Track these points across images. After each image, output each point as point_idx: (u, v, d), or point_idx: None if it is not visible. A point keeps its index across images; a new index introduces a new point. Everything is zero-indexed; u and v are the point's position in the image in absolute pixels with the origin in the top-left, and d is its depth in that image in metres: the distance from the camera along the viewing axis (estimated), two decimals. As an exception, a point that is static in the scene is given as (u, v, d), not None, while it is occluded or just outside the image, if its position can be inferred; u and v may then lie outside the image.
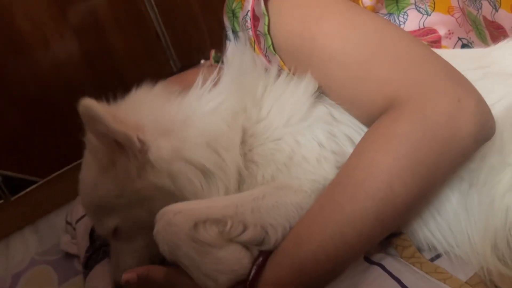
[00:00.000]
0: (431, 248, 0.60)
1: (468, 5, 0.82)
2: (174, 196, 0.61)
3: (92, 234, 0.87)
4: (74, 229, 0.95)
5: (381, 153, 0.52)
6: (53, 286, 0.91)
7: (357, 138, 0.62)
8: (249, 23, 0.70)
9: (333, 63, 0.61)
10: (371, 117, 0.59)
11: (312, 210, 0.56)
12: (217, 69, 0.73)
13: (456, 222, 0.59)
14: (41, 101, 1.21)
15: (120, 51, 1.29)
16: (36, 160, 1.25)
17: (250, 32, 0.70)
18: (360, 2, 0.72)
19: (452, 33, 0.75)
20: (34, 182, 1.25)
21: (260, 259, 0.55)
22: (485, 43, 0.80)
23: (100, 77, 1.28)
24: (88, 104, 0.56)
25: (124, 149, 0.61)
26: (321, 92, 0.65)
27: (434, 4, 0.76)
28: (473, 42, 0.77)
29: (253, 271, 0.54)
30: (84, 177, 0.67)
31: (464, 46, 0.75)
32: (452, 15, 0.76)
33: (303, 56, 0.65)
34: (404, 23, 0.76)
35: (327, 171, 0.60)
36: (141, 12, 1.30)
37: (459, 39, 0.75)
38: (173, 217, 0.54)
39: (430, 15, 0.75)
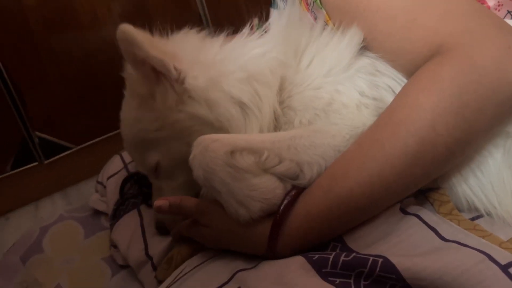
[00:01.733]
0: (471, 207, 0.57)
1: None
2: (213, 126, 0.62)
3: (122, 188, 0.88)
4: (105, 186, 0.96)
5: (425, 93, 0.51)
6: (79, 238, 0.91)
7: (399, 90, 0.61)
8: None
9: (380, 14, 0.61)
10: (416, 66, 0.58)
11: (351, 148, 0.55)
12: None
13: (499, 180, 0.56)
14: (85, 74, 1.26)
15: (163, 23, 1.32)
16: (73, 128, 1.28)
17: None
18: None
19: (502, 5, 0.73)
20: (68, 148, 1.27)
21: (294, 191, 0.54)
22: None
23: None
24: (127, 29, 0.57)
25: (162, 79, 0.62)
26: (366, 46, 0.65)
27: (482, -24, 0.76)
28: None
29: (285, 201, 0.53)
30: (125, 113, 0.69)
31: (513, 21, 0.74)
32: (503, -14, 0.75)
33: (350, 7, 0.65)
34: None
35: (366, 117, 0.59)
36: (187, -6, 1.34)
37: (509, 12, 0.74)
38: (211, 144, 0.54)
39: None
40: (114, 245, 0.82)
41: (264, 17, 0.85)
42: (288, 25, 0.70)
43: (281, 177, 0.55)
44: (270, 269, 0.50)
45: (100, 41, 1.25)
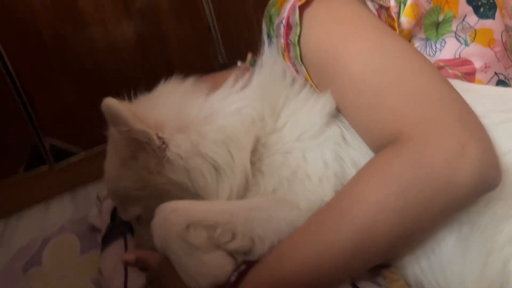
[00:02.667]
0: (419, 287, 0.59)
1: None
2: (188, 191, 0.65)
3: (114, 212, 0.93)
4: (102, 204, 1.01)
5: (372, 187, 0.52)
6: (75, 254, 0.97)
7: (363, 164, 0.61)
8: (282, 30, 0.71)
9: (352, 86, 0.61)
10: (378, 145, 0.59)
11: (300, 229, 0.57)
12: (250, 73, 0.75)
13: (450, 265, 0.57)
14: (93, 77, 1.30)
15: (172, 39, 1.35)
16: (82, 133, 1.34)
17: (282, 40, 0.71)
18: (395, 24, 0.71)
19: (489, 67, 0.72)
20: (77, 153, 1.34)
21: (243, 267, 0.56)
22: (525, 81, 0.76)
23: (150, 61, 1.34)
24: (111, 103, 0.60)
25: (144, 145, 0.64)
26: (339, 111, 0.66)
27: (475, 35, 0.74)
28: (511, 78, 0.74)
29: (233, 278, 0.56)
30: (108, 169, 0.72)
31: (500, 81, 0.73)
32: (492, 49, 0.73)
33: (326, 72, 0.65)
34: (441, 50, 0.74)
35: (325, 193, 0.60)
36: (196, 4, 1.34)
37: (496, 74, 0.73)
38: (169, 215, 0.57)
39: (468, 46, 0.73)
40: (100, 271, 0.88)
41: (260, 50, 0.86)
42: (270, 79, 0.71)
43: (233, 253, 0.57)
44: None
45: (109, 51, 1.28)
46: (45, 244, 1.02)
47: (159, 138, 0.64)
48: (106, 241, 0.89)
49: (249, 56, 0.97)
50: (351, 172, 0.62)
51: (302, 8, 0.67)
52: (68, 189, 1.38)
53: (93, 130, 1.32)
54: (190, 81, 0.78)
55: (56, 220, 1.30)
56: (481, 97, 0.64)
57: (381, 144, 0.58)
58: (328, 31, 0.65)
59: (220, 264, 0.56)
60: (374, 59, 0.60)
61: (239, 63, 1.00)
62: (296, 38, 0.67)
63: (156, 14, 1.32)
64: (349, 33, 0.64)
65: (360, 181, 0.55)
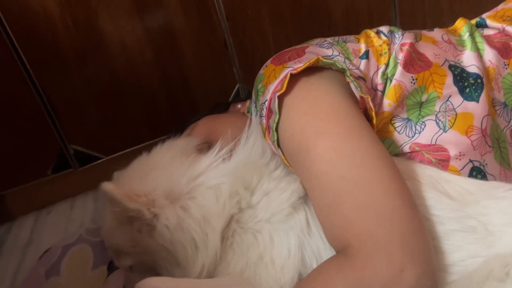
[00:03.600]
0: None
1: (499, 115, 0.79)
2: (173, 257, 0.73)
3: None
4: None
5: None
6: (87, 268, 1.10)
7: (325, 254, 0.68)
8: (264, 112, 0.75)
9: (316, 183, 0.66)
10: (332, 244, 0.64)
11: None
12: (235, 141, 0.80)
13: None
14: (113, 92, 1.38)
15: (188, 56, 1.39)
16: (103, 140, 1.44)
17: (264, 121, 0.75)
18: (373, 113, 0.73)
19: (464, 155, 0.74)
20: (99, 158, 1.45)
21: None
22: (503, 163, 0.78)
23: (167, 78, 1.41)
24: (107, 188, 0.69)
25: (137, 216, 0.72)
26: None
27: (455, 120, 0.76)
28: (486, 164, 0.76)
29: None
30: (105, 224, 0.81)
31: (474, 168, 0.75)
32: (469, 137, 0.75)
33: (297, 162, 0.70)
34: (419, 133, 0.77)
35: (285, 282, 0.67)
36: (213, 20, 1.37)
37: (470, 161, 0.75)
38: None
39: (446, 132, 0.75)
40: (104, 292, 1.00)
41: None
42: (249, 157, 0.76)
43: None
44: None
45: (128, 67, 1.35)
46: (64, 253, 1.14)
47: (150, 212, 0.71)
48: (111, 267, 1.00)
49: (248, 103, 1.02)
50: (311, 263, 0.68)
51: (282, 96, 0.71)
52: (91, 189, 1.51)
53: (113, 138, 1.44)
54: (181, 143, 0.85)
55: (80, 216, 1.44)
56: (440, 200, 0.67)
57: (335, 245, 0.64)
58: (302, 124, 0.68)
59: None
60: (338, 164, 0.64)
61: (239, 106, 1.05)
62: (274, 125, 0.71)
63: (172, 32, 1.36)
64: (320, 128, 0.67)
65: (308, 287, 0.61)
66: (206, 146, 0.89)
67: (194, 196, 0.74)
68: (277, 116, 0.71)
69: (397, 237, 0.58)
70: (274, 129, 0.72)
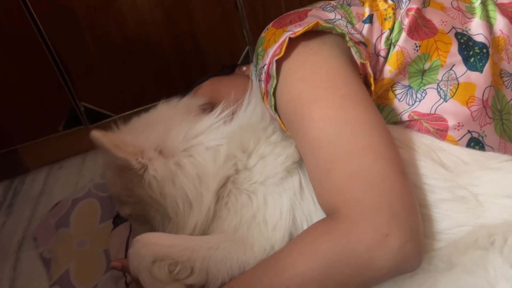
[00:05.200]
0: None
1: (507, 86, 0.78)
2: (165, 210, 0.75)
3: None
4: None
5: (302, 258, 0.60)
6: (95, 222, 1.14)
7: (316, 218, 0.69)
8: (263, 76, 0.75)
9: (309, 149, 0.67)
10: (323, 208, 0.66)
11: (245, 274, 0.67)
12: (237, 104, 0.81)
13: None
14: (124, 51, 1.39)
15: (199, 17, 1.38)
16: (113, 99, 1.46)
17: (263, 85, 0.76)
18: (371, 80, 0.73)
19: (462, 125, 0.74)
20: (109, 116, 1.47)
21: None
22: (504, 136, 0.77)
23: (177, 37, 1.40)
24: (95, 136, 0.71)
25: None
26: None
27: (457, 90, 0.75)
28: (485, 135, 0.75)
29: None
30: (106, 174, 0.84)
31: (472, 139, 0.75)
32: (469, 108, 0.74)
33: (293, 128, 0.70)
34: (420, 101, 0.76)
35: (276, 241, 0.69)
36: (224, -19, 1.36)
37: (469, 132, 0.74)
38: (141, 249, 0.68)
39: (446, 101, 0.75)
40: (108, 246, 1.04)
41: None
42: (249, 121, 0.77)
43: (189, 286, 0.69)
44: None
45: (138, 26, 1.35)
46: (74, 206, 1.20)
47: (138, 162, 0.73)
48: (116, 222, 1.04)
49: (252, 66, 1.01)
50: (303, 224, 0.70)
51: (280, 60, 0.71)
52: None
53: (122, 97, 1.46)
54: (185, 102, 0.86)
55: (90, 172, 1.48)
56: (434, 170, 0.68)
57: (325, 209, 0.65)
58: (298, 90, 0.68)
59: None
60: (331, 130, 0.64)
61: (244, 68, 1.05)
62: (272, 90, 0.71)
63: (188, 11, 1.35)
64: (316, 95, 0.67)
65: (296, 248, 0.63)
66: (209, 106, 0.90)
67: (191, 154, 0.75)
68: (275, 80, 0.71)
69: (385, 205, 0.59)
70: (271, 94, 0.72)
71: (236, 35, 1.44)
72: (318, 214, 0.70)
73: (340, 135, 0.64)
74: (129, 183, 0.76)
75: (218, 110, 0.80)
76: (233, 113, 0.80)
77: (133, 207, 0.81)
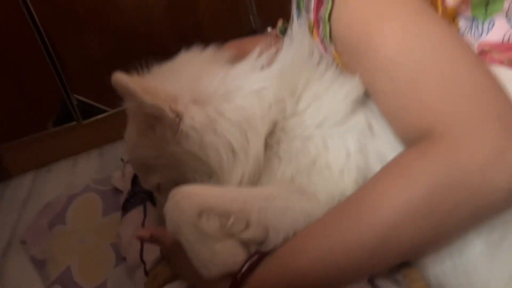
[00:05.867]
0: (440, 288, 0.56)
1: None
2: (205, 165, 0.64)
3: (134, 179, 0.93)
4: (125, 167, 1.01)
5: (397, 187, 0.48)
6: (97, 215, 0.99)
7: (390, 157, 0.58)
8: (312, 5, 0.65)
9: (383, 72, 0.56)
10: (408, 138, 0.54)
11: (316, 223, 0.54)
12: (276, 47, 0.71)
13: (476, 270, 0.54)
14: (123, 36, 1.27)
15: (202, 2, 1.29)
16: (110, 91, 1.32)
17: (312, 15, 0.66)
18: (439, 2, 0.64)
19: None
20: (104, 111, 1.34)
21: (255, 257, 0.55)
22: None
23: (179, 21, 1.30)
24: (119, 78, 0.59)
25: (160, 118, 0.63)
26: (367, 98, 0.61)
27: (531, 15, 0.66)
28: None
29: (245, 267, 0.54)
30: (127, 137, 0.71)
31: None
32: (544, 34, 0.66)
33: (356, 54, 0.60)
34: (487, 32, 0.67)
35: (346, 186, 0.57)
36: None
37: None
38: (182, 200, 0.55)
39: None
40: (118, 236, 0.89)
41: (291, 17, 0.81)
42: (294, 60, 0.67)
43: (246, 242, 0.56)
44: None
45: (139, 11, 1.25)
46: (70, 202, 1.05)
47: (172, 110, 0.61)
48: (127, 207, 0.89)
49: (280, 23, 0.92)
50: (376, 166, 0.58)
51: None
52: (96, 146, 1.39)
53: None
54: (211, 51, 0.75)
55: (84, 175, 1.32)
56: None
57: (411, 137, 0.54)
58: (362, 9, 0.59)
59: (232, 254, 0.55)
60: (409, 44, 0.54)
61: (269, 30, 0.95)
62: (327, 14, 0.62)
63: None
64: (385, 12, 0.57)
65: (385, 179, 0.51)
66: (237, 60, 0.79)
67: (231, 100, 0.64)
68: (330, 4, 0.61)
69: (491, 115, 0.48)
70: (326, 20, 0.62)
71: (241, 20, 1.35)
72: (394, 155, 0.58)
73: (422, 47, 0.54)
74: (160, 140, 0.64)
75: (255, 53, 0.69)
76: (271, 58, 0.70)
77: (163, 172, 0.69)
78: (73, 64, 1.25)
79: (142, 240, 0.65)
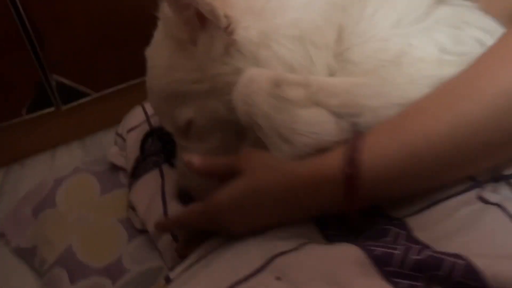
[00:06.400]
0: None
1: None
2: None
3: (143, 144, 0.79)
4: (124, 140, 0.87)
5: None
6: (94, 194, 0.84)
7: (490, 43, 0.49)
8: None
9: None
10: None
11: (427, 97, 0.45)
12: None
13: None
14: (111, 13, 1.15)
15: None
16: (94, 72, 1.19)
17: None
18: None
19: None
20: (87, 95, 1.19)
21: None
22: None
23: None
24: None
25: (207, 26, 0.53)
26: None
27: None
28: None
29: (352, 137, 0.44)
30: (155, 60, 0.59)
31: None
32: None
33: None
34: None
35: (448, 73, 0.47)
36: None
37: None
38: (256, 75, 0.49)
39: None
40: (132, 207, 0.74)
41: None
42: None
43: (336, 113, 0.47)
44: (317, 262, 0.41)
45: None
46: (58, 185, 0.89)
47: (227, 17, 0.52)
48: (137, 173, 0.75)
49: None
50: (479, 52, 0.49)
51: None
52: (77, 136, 1.23)
53: (106, 70, 1.19)
54: None
55: (63, 171, 1.16)
56: None
57: None
58: None
59: (318, 120, 0.47)
60: None
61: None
62: None
63: None
64: None
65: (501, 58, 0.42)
66: None
67: (282, 15, 0.55)
68: None
69: None
70: None
71: None
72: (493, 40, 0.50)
73: None
74: (204, 57, 0.54)
75: None
76: None
77: (201, 103, 0.57)
78: (53, 40, 1.10)
79: (192, 168, 0.52)
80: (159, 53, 0.58)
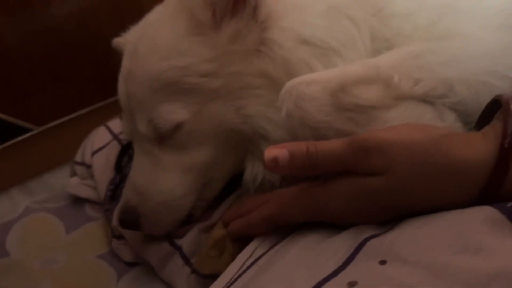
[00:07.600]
0: None
1: None
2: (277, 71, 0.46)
3: (119, 162, 0.67)
4: (88, 166, 0.74)
5: None
6: (58, 234, 0.69)
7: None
8: None
9: None
10: None
11: None
12: None
13: None
14: (49, 39, 1.02)
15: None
16: (35, 105, 1.04)
17: None
18: None
19: None
20: (29, 130, 1.03)
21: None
22: None
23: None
24: None
25: (239, 12, 0.46)
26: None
27: None
28: None
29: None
30: (155, 37, 0.49)
31: None
32: None
33: None
34: None
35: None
36: None
37: None
38: (307, 89, 0.40)
39: None
40: (117, 236, 0.60)
41: None
42: None
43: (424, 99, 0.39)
44: (433, 233, 0.31)
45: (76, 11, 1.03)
46: (7, 231, 0.73)
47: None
48: (118, 194, 0.63)
49: None
50: None
51: None
52: (18, 180, 1.05)
53: (49, 100, 1.05)
54: None
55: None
56: None
57: None
58: None
59: (415, 114, 0.38)
60: None
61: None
62: None
63: None
64: None
65: None
66: None
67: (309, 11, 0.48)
68: None
69: None
70: None
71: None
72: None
73: None
74: (226, 47, 0.46)
75: None
76: None
77: (203, 103, 0.48)
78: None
79: (275, 168, 0.38)
80: (163, 32, 0.49)
